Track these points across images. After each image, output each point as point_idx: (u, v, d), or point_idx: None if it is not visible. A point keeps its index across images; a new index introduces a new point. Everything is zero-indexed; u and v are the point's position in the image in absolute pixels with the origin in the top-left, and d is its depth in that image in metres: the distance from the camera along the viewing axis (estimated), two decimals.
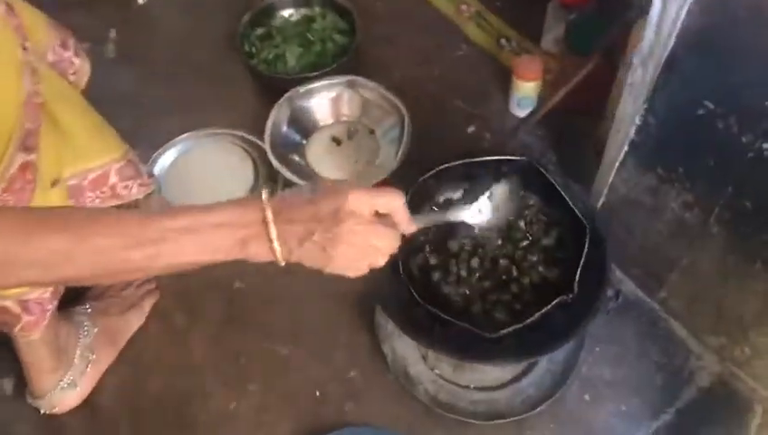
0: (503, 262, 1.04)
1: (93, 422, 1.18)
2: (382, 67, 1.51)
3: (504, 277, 1.04)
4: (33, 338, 1.07)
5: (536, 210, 1.07)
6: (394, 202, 0.78)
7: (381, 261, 0.80)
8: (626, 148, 1.09)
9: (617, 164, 1.12)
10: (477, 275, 1.04)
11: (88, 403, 1.18)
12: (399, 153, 1.35)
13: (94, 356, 1.18)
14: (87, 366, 1.17)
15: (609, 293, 1.00)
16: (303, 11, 1.60)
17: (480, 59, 1.57)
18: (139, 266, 0.70)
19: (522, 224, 1.06)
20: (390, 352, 1.18)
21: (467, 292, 1.03)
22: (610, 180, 1.15)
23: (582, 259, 0.96)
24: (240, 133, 1.46)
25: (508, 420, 1.12)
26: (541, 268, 1.03)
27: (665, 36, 0.91)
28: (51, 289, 1.05)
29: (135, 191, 1.14)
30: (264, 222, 0.73)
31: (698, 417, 1.15)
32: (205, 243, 0.72)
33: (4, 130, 0.85)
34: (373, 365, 1.21)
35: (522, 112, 1.43)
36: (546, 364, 1.17)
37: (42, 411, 1.16)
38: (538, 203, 1.08)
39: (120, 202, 1.13)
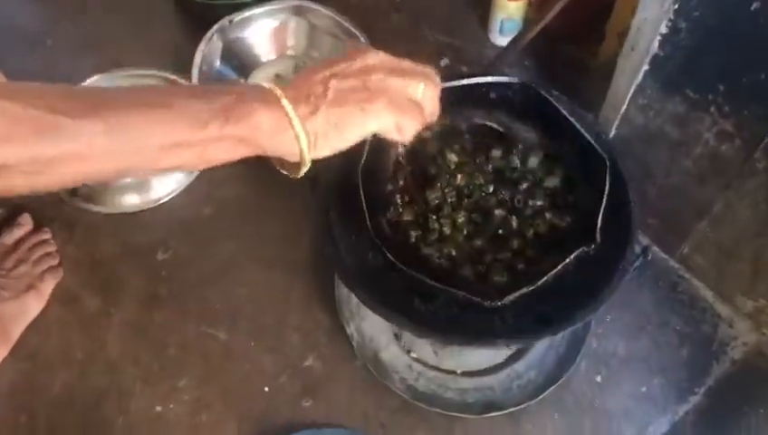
0: (498, 212, 0.80)
1: None
2: None
3: (500, 231, 0.80)
4: None
5: (535, 145, 0.84)
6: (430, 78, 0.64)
7: (419, 123, 0.63)
8: (646, 66, 0.86)
9: (633, 88, 0.90)
10: (466, 231, 0.80)
11: None
12: None
13: None
14: None
15: (638, 247, 0.78)
16: None
17: None
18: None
19: (517, 161, 0.83)
20: (356, 334, 0.94)
21: (454, 252, 0.79)
22: (623, 109, 0.92)
23: (604, 200, 0.74)
24: (163, 74, 1.19)
25: (504, 412, 0.90)
26: (548, 215, 0.80)
27: None
28: None
29: None
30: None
31: (734, 397, 0.94)
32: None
33: None
34: (334, 351, 0.98)
35: (504, 40, 1.20)
36: (547, 340, 0.96)
37: None
38: (536, 136, 0.84)
39: None
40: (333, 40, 1.19)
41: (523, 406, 0.90)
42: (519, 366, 0.94)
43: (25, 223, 1.06)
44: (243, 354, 0.97)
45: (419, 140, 0.74)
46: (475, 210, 0.81)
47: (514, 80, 0.83)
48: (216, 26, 1.16)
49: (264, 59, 1.20)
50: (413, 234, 0.79)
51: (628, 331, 0.99)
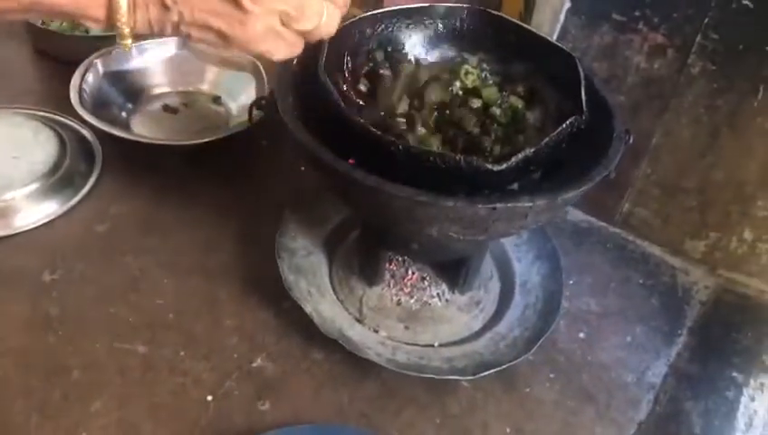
0: (471, 118, 0.74)
1: None
2: None
3: (477, 133, 0.74)
4: None
5: (489, 68, 0.81)
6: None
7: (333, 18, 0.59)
8: (567, 3, 0.89)
9: (555, 35, 0.92)
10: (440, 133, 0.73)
11: None
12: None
13: None
14: None
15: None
16: None
17: None
18: None
19: (472, 77, 0.79)
20: (316, 314, 0.79)
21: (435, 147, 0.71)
22: None
23: (583, 82, 0.71)
24: (30, 109, 1.04)
25: (498, 369, 0.78)
26: (525, 112, 0.75)
27: None
28: None
29: None
30: None
31: (715, 332, 0.89)
32: None
33: None
34: (286, 348, 0.81)
35: None
36: (522, 298, 0.87)
37: None
38: (487, 60, 0.82)
39: None
40: (223, 69, 1.13)
41: (516, 362, 0.78)
42: (500, 328, 0.83)
43: None
44: (171, 366, 0.77)
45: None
46: (448, 122, 0.75)
47: (464, 5, 0.81)
48: (97, 53, 1.06)
49: (154, 91, 1.10)
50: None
51: (595, 290, 0.92)
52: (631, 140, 0.74)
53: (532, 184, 0.69)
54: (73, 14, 0.54)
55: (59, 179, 0.94)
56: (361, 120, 0.65)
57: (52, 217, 0.91)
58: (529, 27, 0.79)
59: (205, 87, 1.13)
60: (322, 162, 0.65)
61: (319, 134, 0.67)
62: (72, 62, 1.07)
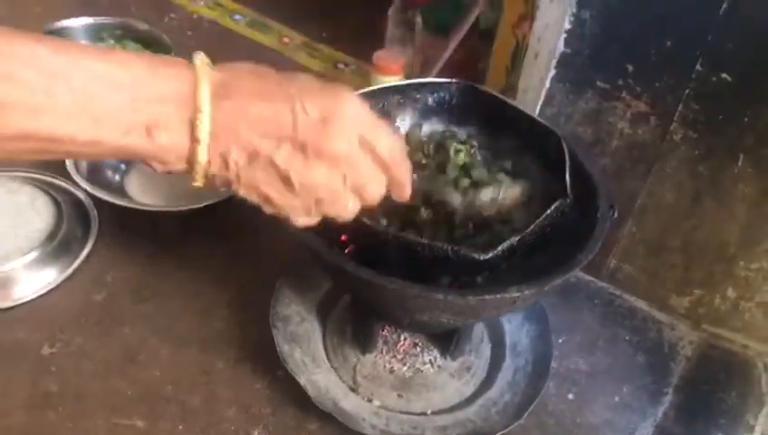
0: (456, 198, 0.77)
1: None
2: None
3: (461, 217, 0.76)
4: None
5: (477, 143, 0.83)
6: (399, 144, 0.60)
7: (354, 210, 0.59)
8: (552, 71, 0.91)
9: (540, 101, 0.94)
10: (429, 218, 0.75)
11: None
12: None
13: None
14: None
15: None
16: (96, 45, 1.29)
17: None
18: None
19: (463, 155, 0.81)
20: (310, 386, 0.81)
21: (423, 236, 0.73)
22: None
23: (568, 161, 0.73)
24: (25, 173, 1.06)
25: None
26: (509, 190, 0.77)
27: None
28: None
29: None
30: (194, 100, 0.51)
31: (701, 390, 0.91)
32: (86, 103, 0.49)
33: None
34: (282, 418, 0.82)
35: None
36: (512, 361, 0.89)
37: None
38: (476, 135, 0.84)
39: None
40: None
41: (509, 428, 0.80)
42: (492, 394, 0.85)
43: None
44: None
45: None
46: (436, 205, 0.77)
47: (452, 80, 0.84)
48: None
49: None
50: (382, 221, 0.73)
51: (583, 348, 0.95)
52: (615, 214, 0.76)
53: (521, 261, 0.71)
54: (146, 158, 0.53)
55: (57, 247, 0.95)
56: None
57: (51, 286, 0.93)
58: (514, 103, 0.82)
59: None
60: (313, 249, 0.67)
61: None
62: None
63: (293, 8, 1.54)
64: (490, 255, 0.65)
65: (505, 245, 0.65)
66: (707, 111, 0.84)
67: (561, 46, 0.89)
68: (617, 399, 0.89)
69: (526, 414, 0.81)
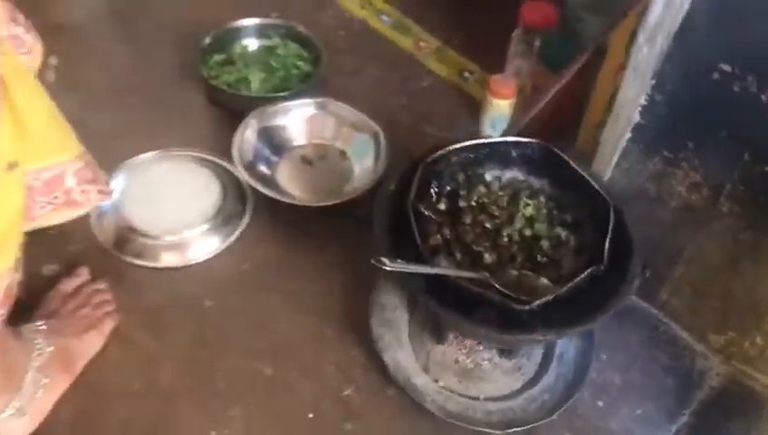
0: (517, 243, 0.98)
1: None
2: (349, 96, 1.46)
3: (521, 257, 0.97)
4: None
5: (546, 195, 1.03)
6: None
7: None
8: (628, 135, 1.08)
9: (617, 154, 1.11)
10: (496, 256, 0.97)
11: None
12: (378, 169, 1.30)
13: (47, 380, 1.00)
14: (38, 391, 0.99)
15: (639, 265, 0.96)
16: (263, 41, 1.56)
17: (445, 90, 1.56)
18: None
19: (530, 209, 1.01)
20: (392, 363, 1.07)
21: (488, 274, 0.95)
22: (609, 174, 1.13)
23: (610, 231, 0.92)
24: (201, 154, 1.36)
25: (525, 427, 1.03)
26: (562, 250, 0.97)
27: (677, 4, 0.92)
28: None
29: (93, 198, 1.01)
30: None
31: (715, 417, 1.09)
32: None
33: None
34: (369, 382, 1.09)
35: (495, 133, 1.42)
36: (557, 368, 1.10)
37: None
38: (547, 188, 1.04)
39: (73, 212, 1.00)
40: (352, 130, 1.39)
41: (541, 422, 1.03)
42: (534, 391, 1.07)
43: (83, 274, 1.16)
44: (287, 386, 1.08)
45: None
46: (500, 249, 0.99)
47: (532, 140, 1.03)
48: (254, 112, 1.34)
49: (293, 144, 1.39)
50: (458, 255, 0.96)
51: (621, 366, 1.14)
52: (648, 274, 0.94)
53: (550, 310, 0.91)
54: None
55: (221, 221, 1.25)
56: (427, 254, 0.90)
57: (213, 253, 1.23)
58: (580, 169, 0.99)
59: (336, 143, 1.40)
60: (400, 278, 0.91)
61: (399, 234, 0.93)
62: (237, 112, 1.37)
63: (434, 11, 1.73)
64: (526, 308, 0.86)
65: (542, 300, 0.86)
66: (751, 192, 0.98)
67: (636, 117, 1.05)
68: (639, 412, 1.09)
69: (558, 413, 1.03)
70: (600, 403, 1.10)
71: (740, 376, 1.13)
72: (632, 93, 1.04)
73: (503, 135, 1.37)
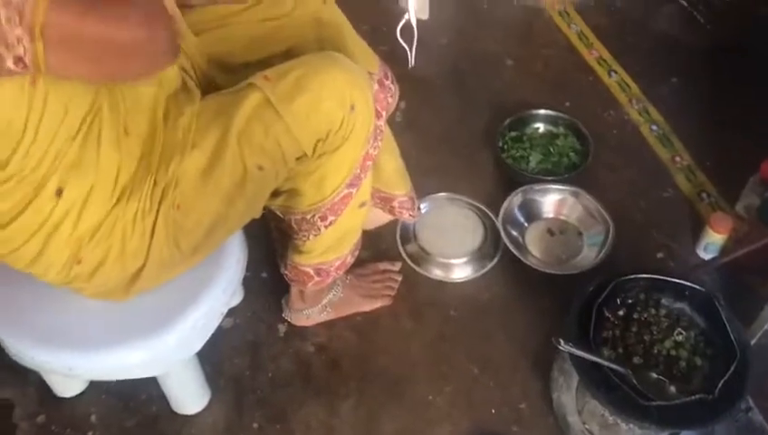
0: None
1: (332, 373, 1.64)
2: (601, 187, 1.90)
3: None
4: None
5: (699, 330, 1.41)
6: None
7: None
8: None
9: None
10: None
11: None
12: (601, 255, 1.74)
13: (330, 312, 1.67)
14: (322, 314, 1.67)
15: (743, 405, 1.32)
16: (550, 127, 2.04)
17: (681, 204, 1.93)
18: None
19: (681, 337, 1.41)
20: (556, 398, 1.54)
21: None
22: (757, 338, 1.47)
23: (726, 376, 1.30)
24: (477, 204, 1.90)
25: None
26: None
27: None
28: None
29: (405, 216, 1.68)
30: None
31: None
32: None
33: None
34: (539, 406, 1.58)
35: (706, 256, 1.77)
36: None
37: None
38: (702, 324, 1.42)
39: (386, 218, 1.68)
40: (592, 219, 1.84)
41: None
42: None
43: (396, 265, 1.80)
44: (484, 386, 1.61)
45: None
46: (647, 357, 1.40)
47: (702, 289, 1.41)
48: (523, 187, 1.86)
49: (543, 216, 1.88)
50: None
51: None
52: (750, 413, 1.31)
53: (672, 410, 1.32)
54: None
55: (478, 257, 1.80)
56: (593, 344, 1.36)
57: (465, 279, 1.79)
58: (730, 329, 1.36)
59: (576, 223, 1.86)
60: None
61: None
62: (513, 182, 1.89)
63: (697, 126, 2.08)
64: (646, 404, 1.28)
65: (658, 402, 1.28)
66: None
67: None
68: None
69: None
70: None
71: None
72: None
73: (710, 261, 1.74)
